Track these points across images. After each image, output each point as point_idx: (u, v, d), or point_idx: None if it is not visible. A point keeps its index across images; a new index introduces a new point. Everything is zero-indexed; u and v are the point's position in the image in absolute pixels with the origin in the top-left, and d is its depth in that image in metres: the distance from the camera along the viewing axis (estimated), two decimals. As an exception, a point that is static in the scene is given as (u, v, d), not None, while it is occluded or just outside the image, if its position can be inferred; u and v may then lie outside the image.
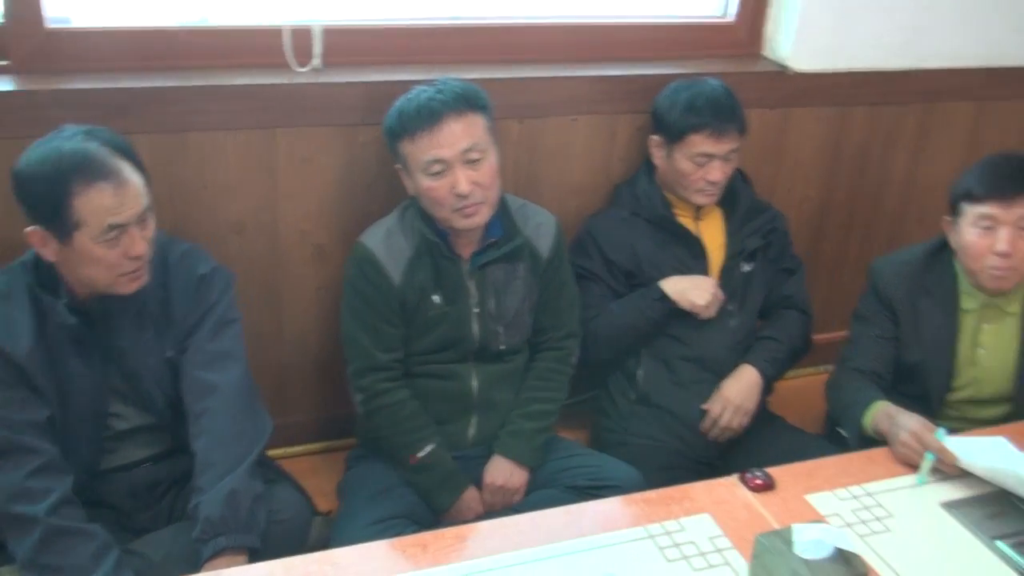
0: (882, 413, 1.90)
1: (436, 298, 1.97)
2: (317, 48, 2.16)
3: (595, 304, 2.24)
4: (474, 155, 1.88)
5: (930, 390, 2.11)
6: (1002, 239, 1.91)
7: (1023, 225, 1.91)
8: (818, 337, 2.95)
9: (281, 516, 1.72)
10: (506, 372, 2.08)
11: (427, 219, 1.96)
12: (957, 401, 2.13)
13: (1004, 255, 1.91)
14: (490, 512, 2.01)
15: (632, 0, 2.53)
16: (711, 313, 2.20)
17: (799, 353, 2.40)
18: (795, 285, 2.40)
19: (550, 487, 1.95)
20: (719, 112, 2.14)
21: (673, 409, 2.27)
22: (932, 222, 2.87)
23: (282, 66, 2.15)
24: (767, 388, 2.30)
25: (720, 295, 2.22)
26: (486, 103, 1.94)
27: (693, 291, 2.19)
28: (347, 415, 2.22)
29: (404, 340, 1.99)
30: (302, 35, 2.15)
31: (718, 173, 2.18)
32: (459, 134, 1.87)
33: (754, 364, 2.25)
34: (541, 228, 2.07)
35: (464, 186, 1.85)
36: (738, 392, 2.22)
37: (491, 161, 1.92)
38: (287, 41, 2.13)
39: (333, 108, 2.16)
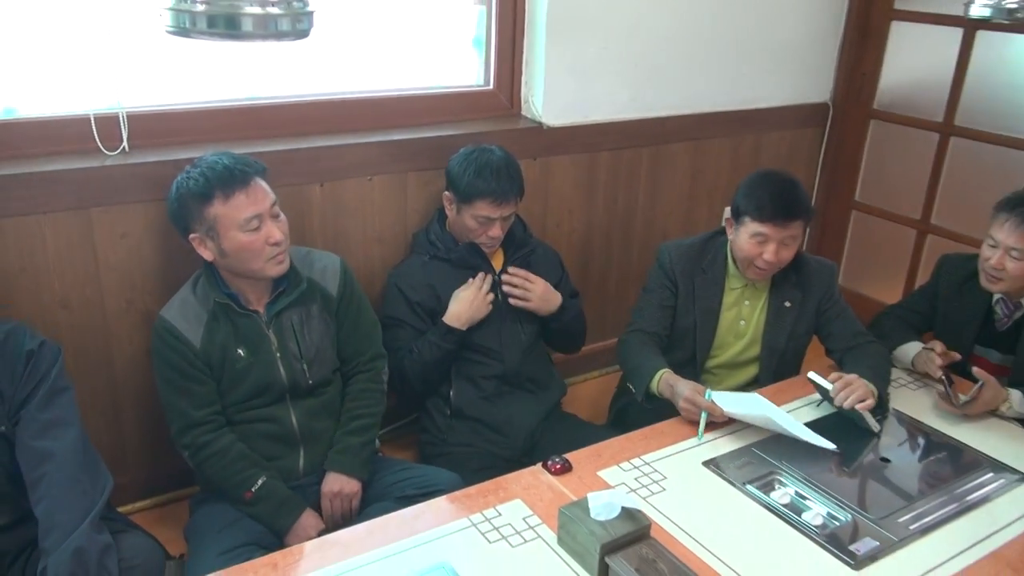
0: (664, 382, 2.02)
1: (241, 351, 1.91)
2: (124, 132, 2.08)
3: (403, 347, 2.25)
4: (276, 210, 1.88)
5: (697, 352, 2.25)
6: (770, 251, 2.09)
7: (788, 243, 2.10)
8: (595, 345, 3.12)
9: (133, 562, 1.61)
10: (322, 404, 2.04)
11: (217, 284, 1.90)
12: (716, 365, 2.29)
13: (770, 264, 2.10)
14: (332, 528, 1.97)
15: (405, 73, 2.58)
16: (488, 308, 2.26)
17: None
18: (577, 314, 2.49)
19: (383, 500, 1.93)
20: (501, 181, 2.20)
21: (483, 419, 2.31)
22: (672, 237, 3.12)
23: (93, 151, 2.05)
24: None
25: (487, 289, 2.27)
26: (264, 168, 1.95)
27: (468, 313, 2.23)
28: (184, 466, 2.10)
29: (218, 394, 1.93)
30: (109, 121, 2.06)
31: (498, 231, 2.24)
32: (266, 191, 1.87)
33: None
34: (327, 270, 2.05)
35: (277, 235, 1.85)
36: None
37: (283, 215, 1.92)
38: (95, 128, 2.03)
39: (145, 185, 2.08)
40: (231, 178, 1.82)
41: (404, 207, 2.50)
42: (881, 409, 2.01)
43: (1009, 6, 1.96)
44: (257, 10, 0.95)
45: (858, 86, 3.44)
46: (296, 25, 0.99)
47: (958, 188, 3.24)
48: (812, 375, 2.03)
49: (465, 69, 2.70)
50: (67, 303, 2.07)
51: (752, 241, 2.10)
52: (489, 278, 2.29)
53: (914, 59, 3.32)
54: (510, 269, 2.32)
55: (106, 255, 2.09)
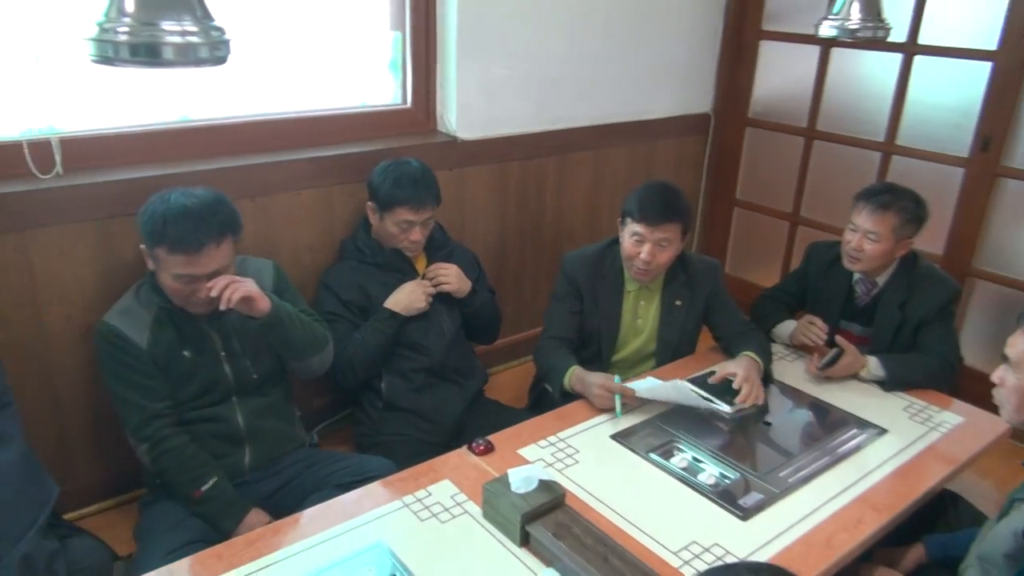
0: (575, 377, 2.04)
1: (186, 353, 1.85)
2: (57, 157, 1.99)
3: (343, 338, 2.22)
4: (221, 271, 1.80)
5: (603, 350, 2.29)
6: (646, 251, 2.11)
7: (663, 244, 2.12)
8: (515, 336, 3.15)
9: (81, 564, 1.55)
10: (268, 404, 2.00)
11: (159, 290, 1.83)
12: (619, 360, 2.33)
13: (647, 263, 2.13)
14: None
15: (328, 95, 2.55)
16: (428, 304, 2.26)
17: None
18: (488, 300, 2.51)
19: (322, 489, 1.90)
20: (418, 189, 2.20)
21: (413, 409, 2.30)
22: (579, 238, 3.18)
23: (27, 175, 1.96)
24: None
25: (426, 284, 2.27)
26: (241, 225, 1.85)
27: (408, 300, 2.23)
28: (133, 469, 2.04)
29: (169, 391, 1.86)
30: (42, 146, 1.97)
31: (418, 235, 2.24)
32: (214, 259, 1.76)
33: None
34: (262, 271, 2.00)
35: (204, 293, 1.76)
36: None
37: (232, 267, 1.84)
38: (27, 153, 1.94)
39: (81, 207, 2.00)
40: (181, 240, 1.72)
41: (331, 217, 2.47)
42: (766, 382, 2.09)
43: (851, 27, 2.08)
44: (177, 39, 0.93)
45: (734, 98, 3.57)
46: (214, 52, 0.97)
47: (821, 184, 3.39)
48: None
49: (384, 90, 2.68)
50: (6, 322, 1.97)
51: (631, 241, 2.14)
52: (426, 281, 2.29)
53: (781, 73, 3.45)
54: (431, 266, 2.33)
55: (44, 274, 2.00)
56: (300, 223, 2.42)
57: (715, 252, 3.82)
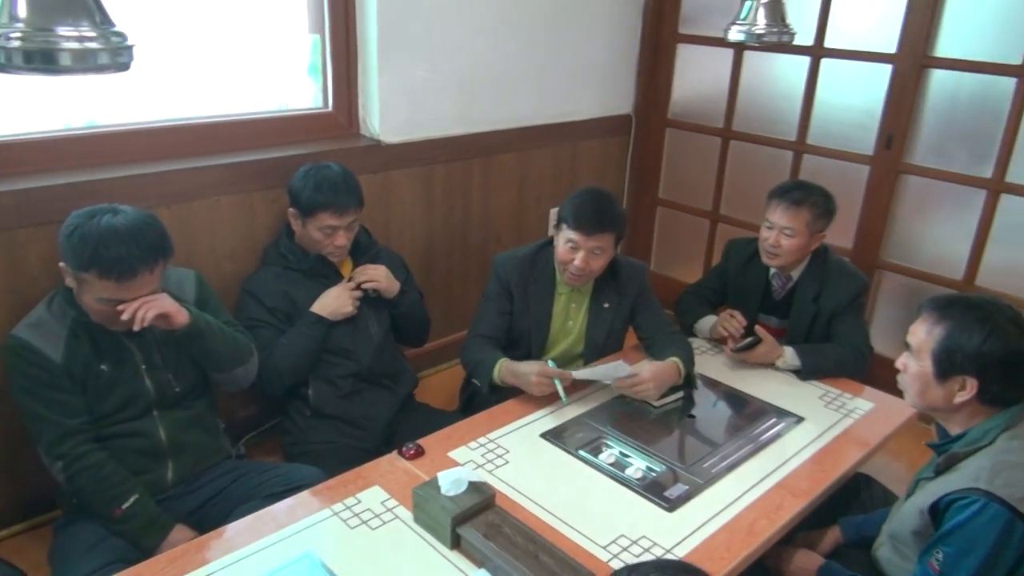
0: (505, 369, 2.05)
1: (104, 367, 1.78)
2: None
3: (268, 344, 2.18)
4: (149, 291, 1.73)
5: (532, 351, 2.29)
6: (580, 258, 2.13)
7: (596, 252, 2.14)
8: (445, 339, 3.14)
9: (-8, 593, 1.48)
10: (191, 416, 1.94)
11: (74, 303, 1.75)
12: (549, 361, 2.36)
13: (579, 270, 2.15)
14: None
15: (247, 99, 2.50)
16: (355, 308, 2.24)
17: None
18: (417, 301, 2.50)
19: (250, 500, 1.86)
20: (339, 193, 2.16)
21: (342, 416, 2.27)
22: (506, 240, 3.20)
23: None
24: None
25: (352, 287, 2.24)
26: (173, 249, 1.77)
27: (335, 304, 2.21)
28: (45, 490, 1.95)
29: (85, 407, 1.78)
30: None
31: (343, 239, 2.21)
32: (146, 284, 1.69)
33: None
34: (183, 281, 1.95)
35: (129, 316, 1.68)
36: None
37: (159, 288, 1.77)
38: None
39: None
40: (115, 266, 1.63)
41: (253, 224, 2.42)
42: (689, 385, 2.14)
43: (758, 32, 2.16)
44: (75, 45, 0.89)
45: (654, 99, 3.65)
46: (115, 59, 0.93)
47: (739, 182, 3.49)
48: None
49: (304, 93, 2.64)
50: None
51: (566, 247, 2.16)
52: (353, 284, 2.27)
53: (698, 75, 3.54)
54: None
55: (-57, 289, 1.89)
56: (220, 230, 2.35)
57: (640, 250, 3.90)
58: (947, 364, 1.46)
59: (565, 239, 2.15)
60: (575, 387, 2.07)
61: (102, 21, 0.93)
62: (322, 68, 2.62)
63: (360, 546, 1.48)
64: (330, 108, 2.66)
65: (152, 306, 1.71)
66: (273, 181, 2.39)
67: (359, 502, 1.60)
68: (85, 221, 1.67)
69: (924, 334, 1.51)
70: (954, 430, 1.52)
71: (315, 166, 2.23)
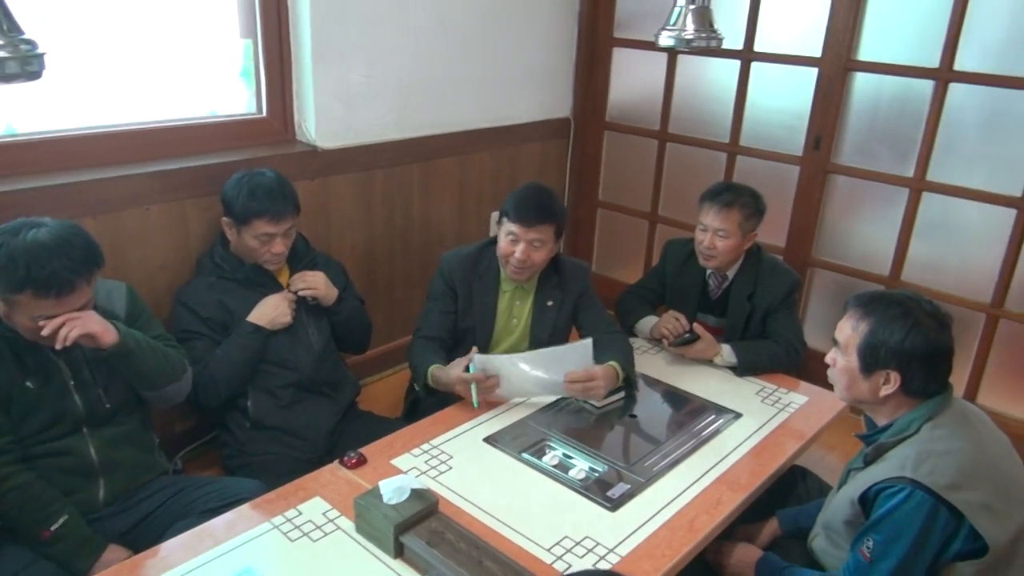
0: (433, 376, 2.07)
1: (29, 384, 1.71)
2: None
3: (203, 356, 2.12)
4: (86, 307, 1.68)
5: (478, 348, 2.30)
6: (520, 250, 2.15)
7: (536, 244, 2.16)
8: (387, 346, 3.11)
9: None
10: (123, 433, 1.88)
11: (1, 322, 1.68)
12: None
13: (521, 262, 2.16)
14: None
15: (176, 105, 2.44)
16: (291, 317, 2.20)
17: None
18: (357, 307, 2.46)
19: (186, 517, 1.81)
20: (275, 200, 2.13)
21: (282, 427, 2.23)
22: (448, 243, 3.19)
23: None
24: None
25: (291, 296, 2.21)
26: (103, 255, 1.70)
27: (273, 314, 2.17)
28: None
29: (9, 426, 1.70)
30: None
31: (280, 247, 2.17)
32: (79, 297, 1.64)
33: None
34: (112, 294, 1.88)
35: (49, 331, 1.61)
36: None
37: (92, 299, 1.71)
38: None
39: None
40: (51, 283, 1.57)
41: (185, 233, 2.36)
42: (629, 386, 2.16)
43: (687, 37, 2.20)
44: (-18, 52, 0.86)
45: (592, 102, 3.68)
46: (25, 67, 0.90)
47: (676, 184, 3.55)
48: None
49: (237, 99, 2.58)
50: None
51: (507, 240, 2.18)
52: (291, 293, 2.23)
53: (634, 78, 3.59)
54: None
55: None
56: (151, 240, 2.29)
57: (582, 252, 3.93)
58: (872, 359, 1.51)
59: (506, 232, 2.17)
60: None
61: (10, 28, 0.89)
62: (255, 73, 2.57)
63: (301, 559, 1.46)
64: (264, 114, 2.61)
65: (76, 325, 1.64)
66: (206, 189, 2.34)
67: (300, 514, 1.58)
68: (9, 239, 1.59)
69: (850, 330, 1.56)
70: (881, 421, 1.58)
71: (248, 173, 2.19)
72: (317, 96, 2.60)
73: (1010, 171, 2.64)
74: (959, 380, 2.87)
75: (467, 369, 1.99)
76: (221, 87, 2.55)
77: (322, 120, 2.64)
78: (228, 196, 2.16)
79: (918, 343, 1.46)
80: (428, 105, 2.97)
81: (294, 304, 2.22)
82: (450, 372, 2.02)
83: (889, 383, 1.51)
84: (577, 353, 2.04)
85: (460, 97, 3.09)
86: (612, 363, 2.10)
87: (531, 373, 2.02)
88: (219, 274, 2.21)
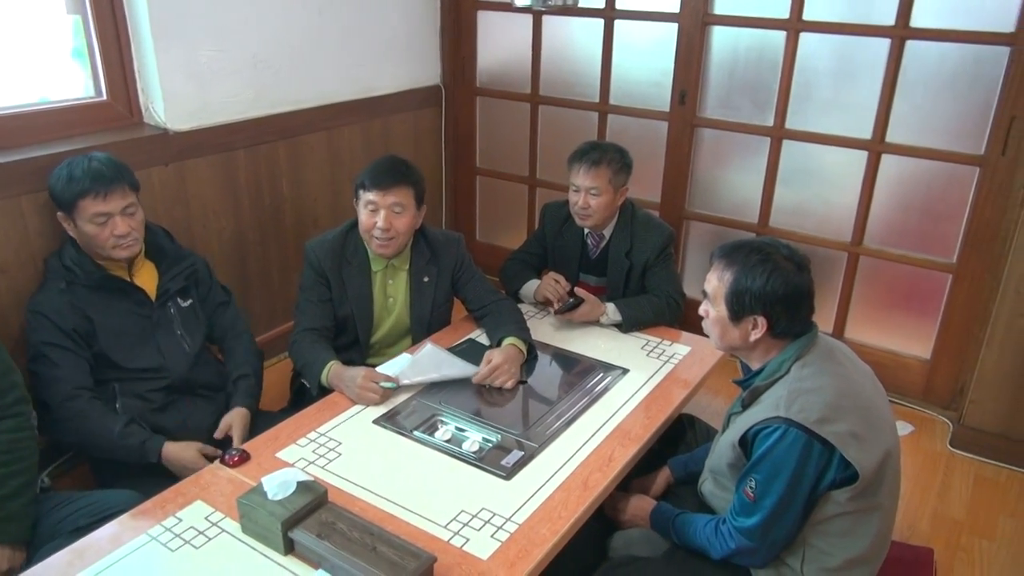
0: (334, 373, 1.99)
1: None
2: None
3: (67, 376, 1.92)
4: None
5: (359, 335, 2.25)
6: (381, 218, 2.09)
7: (396, 210, 2.10)
8: (269, 334, 3.00)
9: None
10: None
11: None
12: (377, 341, 2.30)
13: (384, 231, 2.10)
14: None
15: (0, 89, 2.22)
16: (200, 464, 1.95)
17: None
18: (232, 314, 2.33)
19: (54, 538, 1.68)
20: (98, 176, 1.96)
21: (156, 430, 2.07)
22: (324, 222, 3.09)
23: None
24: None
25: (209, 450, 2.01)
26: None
27: (186, 467, 1.92)
28: None
29: None
30: None
31: (122, 226, 1.99)
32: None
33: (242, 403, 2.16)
34: None
35: None
36: None
37: None
38: None
39: None
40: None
41: (25, 232, 2.16)
42: (530, 353, 2.17)
43: (543, -5, 2.19)
44: None
45: (461, 69, 3.64)
46: None
47: (552, 146, 3.57)
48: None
49: (73, 82, 2.37)
50: None
51: (367, 212, 2.12)
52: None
53: (501, 42, 3.57)
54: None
55: None
56: (-15, 243, 2.09)
57: (463, 221, 3.91)
58: (738, 307, 1.57)
59: (365, 203, 2.13)
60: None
61: None
62: (88, 52, 2.36)
63: (185, 569, 1.38)
64: (104, 96, 2.42)
65: None
66: (42, 183, 2.13)
67: (180, 521, 1.50)
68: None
69: (716, 281, 1.62)
70: (755, 365, 1.65)
71: (69, 160, 2.02)
72: (163, 75, 2.43)
73: (860, 115, 2.80)
74: (827, 317, 3.05)
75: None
76: (50, 69, 2.33)
77: (171, 101, 2.47)
78: (53, 186, 1.99)
79: (779, 286, 1.53)
80: (288, 79, 2.85)
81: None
82: (351, 371, 1.97)
83: (757, 328, 1.57)
84: (457, 367, 2.05)
85: (321, 69, 2.97)
86: (511, 340, 2.10)
87: (431, 371, 2.02)
88: (69, 279, 2.02)
